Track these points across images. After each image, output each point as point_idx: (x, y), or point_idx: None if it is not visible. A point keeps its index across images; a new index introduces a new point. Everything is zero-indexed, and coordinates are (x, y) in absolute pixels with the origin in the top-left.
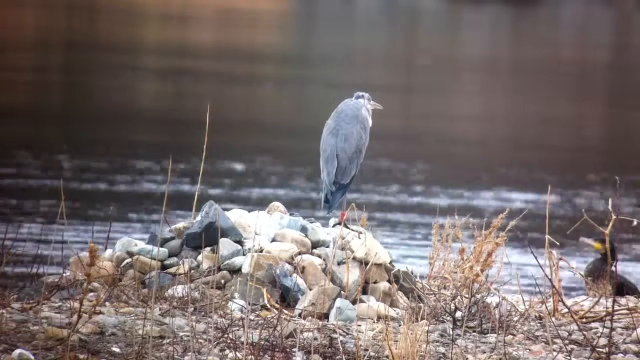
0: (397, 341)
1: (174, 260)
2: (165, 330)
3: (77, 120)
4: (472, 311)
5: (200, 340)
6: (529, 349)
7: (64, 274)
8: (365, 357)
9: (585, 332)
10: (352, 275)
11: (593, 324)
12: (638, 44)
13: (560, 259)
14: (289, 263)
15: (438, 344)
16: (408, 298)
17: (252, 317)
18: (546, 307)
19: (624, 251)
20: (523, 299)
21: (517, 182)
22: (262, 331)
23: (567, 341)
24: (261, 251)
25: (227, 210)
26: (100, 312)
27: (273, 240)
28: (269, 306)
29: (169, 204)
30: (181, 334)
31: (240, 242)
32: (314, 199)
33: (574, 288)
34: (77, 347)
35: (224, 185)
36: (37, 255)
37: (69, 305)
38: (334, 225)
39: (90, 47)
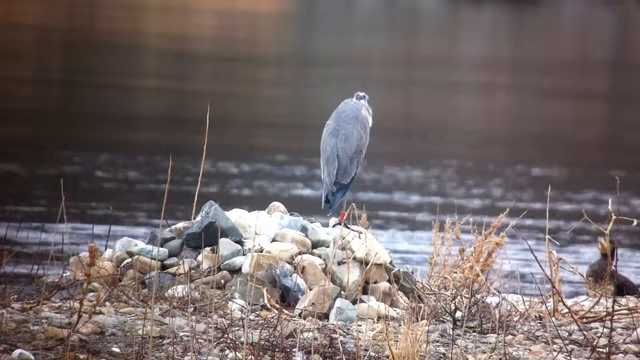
0: (397, 341)
1: (174, 260)
2: (165, 330)
3: (77, 120)
4: (472, 311)
5: (200, 340)
6: (529, 349)
7: (64, 274)
8: (366, 357)
9: (585, 332)
10: (352, 275)
11: (593, 324)
12: (638, 44)
13: (560, 258)
14: (289, 263)
15: (438, 344)
16: (408, 298)
17: (252, 317)
18: (546, 307)
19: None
20: (523, 299)
21: (517, 180)
22: (262, 331)
23: (567, 341)
24: (261, 251)
25: (227, 210)
26: (100, 312)
27: (273, 240)
28: (269, 306)
29: (169, 204)
30: (181, 334)
31: (240, 242)
32: (314, 198)
33: (574, 288)
34: (77, 347)
35: (224, 185)
36: (37, 255)
37: (69, 305)
38: (334, 225)
39: (90, 45)
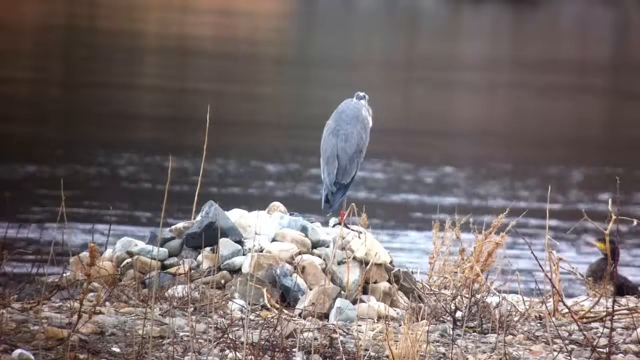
0: (397, 341)
1: (174, 260)
2: (165, 330)
3: (77, 120)
4: (472, 311)
5: (200, 340)
6: (529, 349)
7: (64, 274)
8: (366, 357)
9: (585, 332)
10: (352, 275)
11: (593, 324)
12: (638, 44)
13: (560, 258)
14: (289, 263)
15: (438, 344)
16: (408, 298)
17: (252, 317)
18: (546, 307)
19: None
20: (523, 299)
21: (518, 179)
22: (262, 331)
23: (567, 341)
24: (261, 251)
25: (227, 210)
26: (100, 312)
27: (273, 240)
28: (269, 306)
29: (169, 204)
30: (181, 334)
31: (240, 242)
32: (314, 198)
33: (574, 288)
34: (77, 347)
35: (224, 185)
36: (37, 255)
37: (69, 305)
38: (334, 225)
39: (90, 44)
